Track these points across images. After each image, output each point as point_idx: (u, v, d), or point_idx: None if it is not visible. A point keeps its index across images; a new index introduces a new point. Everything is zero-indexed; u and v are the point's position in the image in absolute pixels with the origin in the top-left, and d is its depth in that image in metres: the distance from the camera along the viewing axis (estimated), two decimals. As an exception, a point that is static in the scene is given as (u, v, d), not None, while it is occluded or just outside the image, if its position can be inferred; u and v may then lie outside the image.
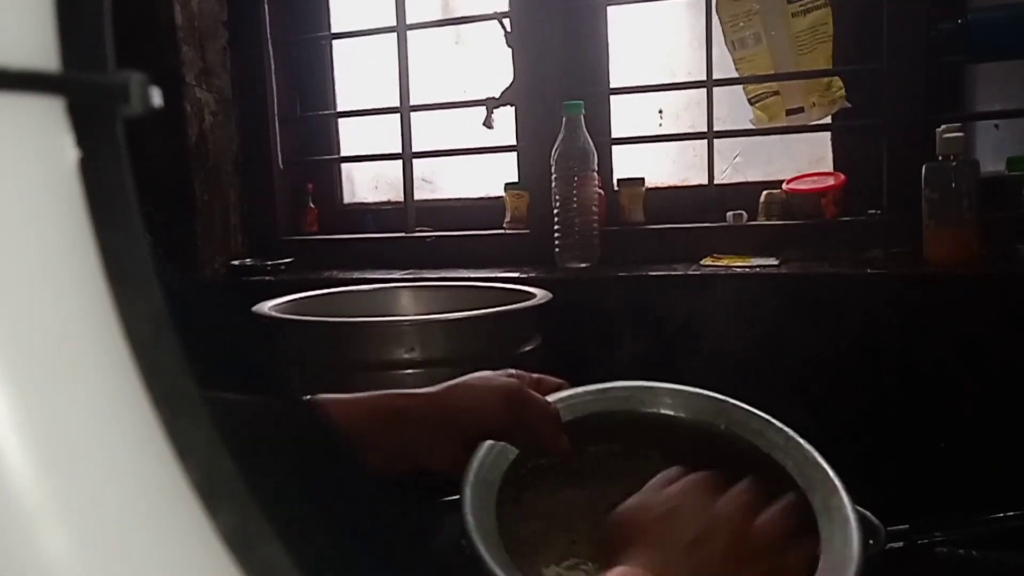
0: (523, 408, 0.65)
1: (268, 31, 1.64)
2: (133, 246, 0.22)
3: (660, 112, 1.58)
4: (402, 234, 1.59)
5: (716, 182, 1.45)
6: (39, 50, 0.20)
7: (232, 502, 0.21)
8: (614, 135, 1.50)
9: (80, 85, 0.21)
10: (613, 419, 0.68)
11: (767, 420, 0.69)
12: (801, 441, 0.67)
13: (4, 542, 0.19)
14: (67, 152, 0.21)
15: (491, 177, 1.61)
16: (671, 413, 0.69)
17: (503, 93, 1.53)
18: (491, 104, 1.54)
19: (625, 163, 1.52)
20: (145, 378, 0.21)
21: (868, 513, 0.95)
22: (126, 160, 0.22)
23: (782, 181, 1.42)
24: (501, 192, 1.54)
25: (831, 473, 0.64)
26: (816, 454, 0.66)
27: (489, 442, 0.63)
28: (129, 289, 0.21)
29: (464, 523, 0.51)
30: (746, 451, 0.66)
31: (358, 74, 1.75)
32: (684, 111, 1.56)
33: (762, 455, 0.65)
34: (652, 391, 0.70)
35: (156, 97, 0.21)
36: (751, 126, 1.47)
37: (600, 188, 1.40)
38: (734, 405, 0.71)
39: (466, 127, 1.60)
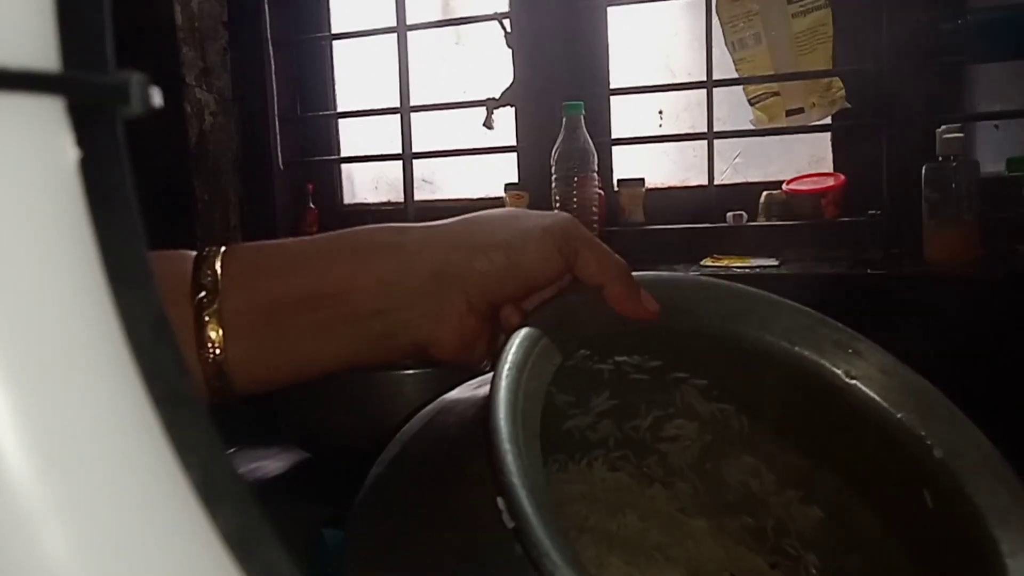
0: (580, 248, 0.44)
1: (268, 31, 1.63)
2: (133, 246, 0.22)
3: (660, 113, 1.58)
4: (402, 234, 1.59)
5: (716, 183, 1.45)
6: (39, 50, 0.20)
7: (232, 502, 0.21)
8: (614, 135, 1.50)
9: (80, 85, 0.21)
10: (675, 323, 0.47)
11: (916, 380, 0.49)
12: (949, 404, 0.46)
13: (3, 542, 0.19)
14: (67, 152, 0.21)
15: (491, 177, 1.61)
16: (770, 339, 0.48)
17: (503, 93, 1.53)
18: (491, 104, 1.54)
19: (625, 163, 1.52)
20: (145, 378, 0.21)
21: (868, 513, 0.95)
22: (126, 160, 0.22)
23: (782, 182, 1.42)
24: (501, 193, 1.54)
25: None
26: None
27: (525, 331, 0.40)
28: (129, 289, 0.21)
29: (505, 485, 0.32)
30: (869, 420, 0.46)
31: (358, 74, 1.75)
32: (684, 112, 1.56)
33: (898, 426, 0.46)
34: (745, 299, 0.49)
35: (156, 97, 0.21)
36: (751, 127, 1.47)
37: (600, 188, 1.40)
38: (869, 346, 0.51)
39: (466, 127, 1.60)
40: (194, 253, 0.40)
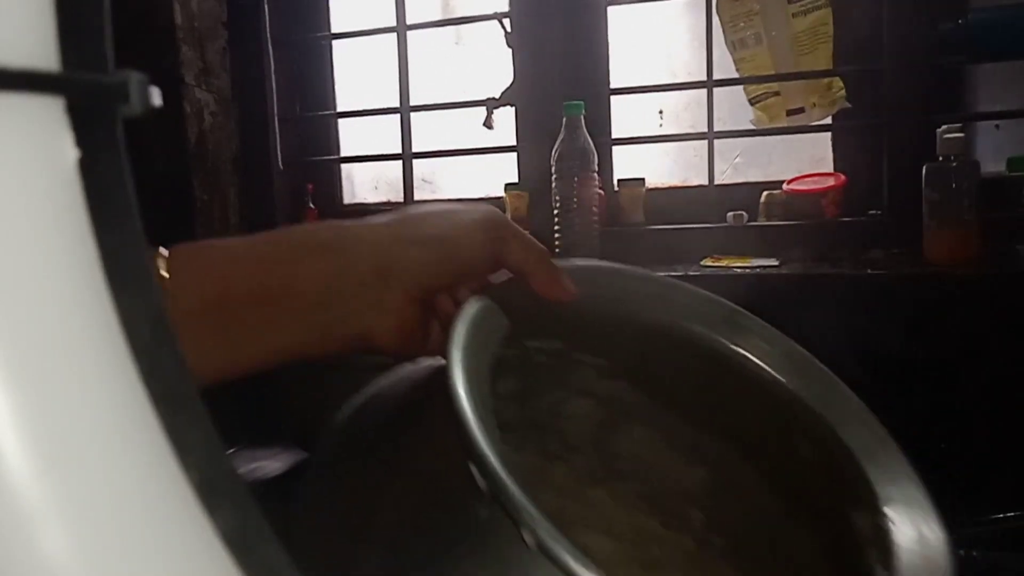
0: (508, 238, 0.48)
1: (268, 31, 1.63)
2: (133, 246, 0.22)
3: (660, 112, 1.58)
4: (402, 234, 1.59)
5: (716, 182, 1.45)
6: (39, 50, 0.20)
7: (232, 502, 0.21)
8: (614, 135, 1.50)
9: (80, 85, 0.21)
10: (584, 308, 0.51)
11: (793, 347, 0.54)
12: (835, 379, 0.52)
13: (3, 542, 0.19)
14: (66, 152, 0.21)
15: (491, 177, 1.61)
16: (667, 318, 0.53)
17: (503, 93, 1.53)
18: (491, 104, 1.54)
19: (625, 163, 1.52)
20: (144, 378, 0.21)
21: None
22: (126, 160, 0.22)
23: (782, 181, 1.42)
24: (501, 192, 1.54)
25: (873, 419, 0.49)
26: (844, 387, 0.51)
27: (471, 308, 0.43)
28: (129, 289, 0.21)
29: (471, 443, 0.34)
30: (752, 381, 0.52)
31: (358, 74, 1.75)
32: (684, 111, 1.56)
33: (776, 385, 0.51)
34: (655, 286, 0.54)
35: (156, 97, 0.21)
36: (751, 126, 1.47)
37: (600, 188, 1.40)
38: (752, 320, 0.56)
39: (466, 127, 1.60)
40: None
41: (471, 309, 0.43)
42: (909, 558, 0.42)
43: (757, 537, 0.53)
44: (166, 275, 0.39)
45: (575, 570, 0.30)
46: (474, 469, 0.33)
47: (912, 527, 0.44)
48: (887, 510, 0.45)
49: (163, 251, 0.41)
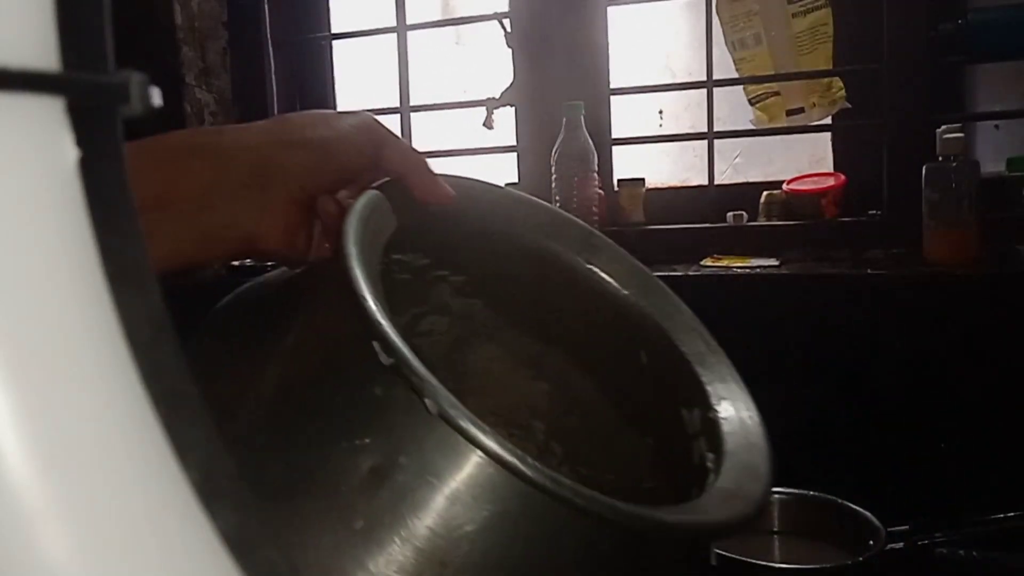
0: (386, 142, 0.48)
1: (268, 32, 1.63)
2: (133, 246, 0.22)
3: (660, 113, 1.58)
4: (402, 234, 1.59)
5: (716, 183, 1.45)
6: (39, 50, 0.20)
7: (232, 502, 0.21)
8: (614, 135, 1.50)
9: (80, 85, 0.21)
10: (448, 223, 0.53)
11: (638, 265, 0.58)
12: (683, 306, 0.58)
13: (3, 542, 0.19)
14: (67, 152, 0.21)
15: (491, 177, 1.60)
16: (526, 235, 0.56)
17: (503, 93, 1.53)
18: (491, 104, 1.54)
19: (625, 163, 1.52)
20: (145, 378, 0.21)
21: (868, 513, 0.95)
22: (126, 160, 0.22)
23: (782, 181, 1.42)
24: (501, 192, 1.54)
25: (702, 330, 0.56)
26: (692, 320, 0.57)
27: (367, 194, 0.45)
28: (129, 289, 0.21)
29: (373, 324, 0.36)
30: (600, 296, 0.57)
31: (358, 74, 1.75)
32: (684, 111, 1.56)
33: (622, 299, 0.56)
34: (518, 204, 0.57)
35: (156, 97, 0.21)
36: (751, 127, 1.47)
37: (600, 188, 1.40)
38: (605, 241, 0.59)
39: (466, 127, 1.60)
40: None
41: (362, 202, 0.44)
42: (734, 440, 0.46)
43: (595, 443, 0.58)
44: None
45: (471, 431, 0.33)
46: (377, 347, 0.35)
47: (736, 416, 0.49)
48: (715, 404, 0.50)
49: None
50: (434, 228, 0.51)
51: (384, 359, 0.35)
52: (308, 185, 0.46)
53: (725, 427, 0.48)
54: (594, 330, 0.57)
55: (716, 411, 0.49)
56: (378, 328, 0.35)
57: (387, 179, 0.49)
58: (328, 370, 0.40)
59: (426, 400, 0.34)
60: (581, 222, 0.59)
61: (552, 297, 0.57)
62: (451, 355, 0.59)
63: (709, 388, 0.51)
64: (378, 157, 0.48)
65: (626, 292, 0.57)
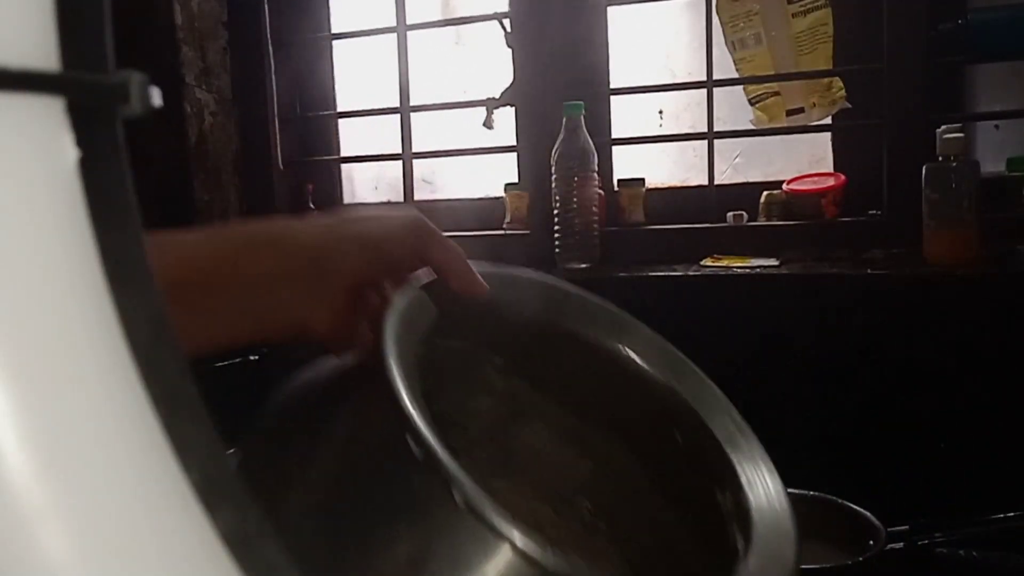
0: (430, 239, 0.52)
1: (268, 31, 1.63)
2: (133, 247, 0.22)
3: (660, 113, 1.58)
4: (402, 234, 1.59)
5: (716, 183, 1.45)
6: (39, 50, 0.20)
7: (232, 502, 0.21)
8: (614, 135, 1.50)
9: (80, 85, 0.21)
10: (488, 311, 0.56)
11: (669, 348, 0.61)
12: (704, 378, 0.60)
13: (3, 542, 0.19)
14: (67, 152, 0.21)
15: (491, 177, 1.61)
16: (564, 322, 0.60)
17: (503, 93, 1.53)
18: (491, 104, 1.54)
19: (625, 163, 1.52)
20: (144, 378, 0.21)
21: (868, 513, 0.95)
22: (126, 160, 0.22)
23: (782, 182, 1.42)
24: (501, 193, 1.54)
25: (735, 413, 0.58)
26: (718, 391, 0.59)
27: (405, 295, 0.49)
28: (129, 289, 0.21)
29: (407, 418, 0.39)
30: (634, 377, 0.59)
31: (358, 74, 1.75)
32: (684, 111, 1.56)
33: (655, 381, 0.59)
34: (553, 292, 0.60)
35: (156, 97, 0.21)
36: (751, 127, 1.47)
37: (600, 188, 1.40)
38: (636, 324, 0.62)
39: (466, 127, 1.60)
40: None
41: (402, 299, 0.48)
42: (763, 526, 0.48)
43: (638, 520, 0.60)
44: None
45: (496, 523, 0.35)
46: (410, 440, 0.37)
47: (766, 501, 0.50)
48: (745, 488, 0.51)
49: None
50: (473, 315, 0.54)
51: (416, 452, 0.37)
52: (358, 278, 0.51)
53: (755, 514, 0.49)
54: (631, 411, 0.59)
55: (747, 495, 0.51)
56: (410, 422, 0.38)
57: (429, 273, 0.53)
58: (371, 461, 0.43)
59: (454, 492, 0.36)
60: (613, 307, 0.62)
61: (590, 379, 0.60)
62: (497, 433, 0.62)
63: (739, 470, 0.53)
64: (422, 252, 0.52)
65: (658, 374, 0.59)
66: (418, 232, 0.52)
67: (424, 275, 0.53)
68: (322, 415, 0.48)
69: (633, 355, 0.60)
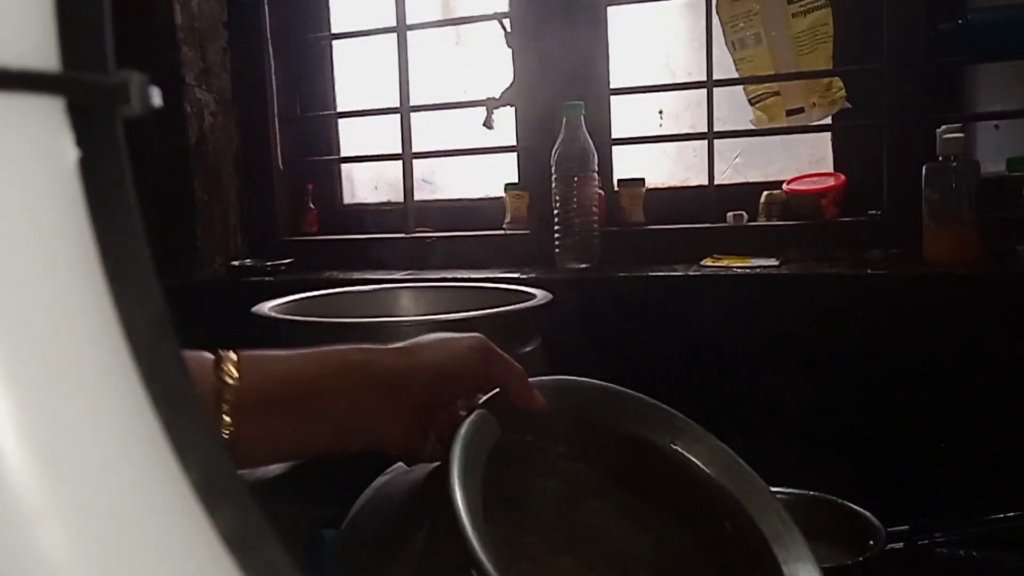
0: (493, 360, 0.59)
1: (268, 31, 1.64)
2: (133, 246, 0.22)
3: (660, 113, 1.58)
4: (402, 235, 1.59)
5: (716, 183, 1.45)
6: (39, 50, 0.20)
7: (232, 502, 0.21)
8: (614, 136, 1.50)
9: (80, 85, 0.21)
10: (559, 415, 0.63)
11: (719, 445, 0.66)
12: (753, 474, 0.64)
13: (4, 542, 0.19)
14: (67, 152, 0.21)
15: (491, 177, 1.61)
16: (618, 420, 0.66)
17: (503, 93, 1.53)
18: (491, 104, 1.54)
19: (625, 163, 1.52)
20: (145, 378, 0.21)
21: (868, 513, 0.95)
22: (126, 160, 0.22)
23: (782, 182, 1.42)
24: (501, 193, 1.54)
25: (781, 509, 0.62)
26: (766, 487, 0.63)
27: (472, 418, 0.55)
28: (129, 289, 0.21)
29: (474, 558, 0.43)
30: (686, 472, 0.64)
31: (358, 74, 1.75)
32: (684, 111, 1.56)
33: (705, 477, 0.63)
34: (610, 396, 0.66)
35: (156, 97, 0.21)
36: (751, 127, 1.47)
37: (600, 189, 1.40)
38: (687, 423, 0.67)
39: (466, 127, 1.60)
40: (211, 356, 0.52)
41: (466, 426, 0.53)
42: None
43: None
44: (236, 375, 0.51)
45: None
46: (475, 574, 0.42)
47: None
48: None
49: (232, 355, 0.52)
50: (534, 417, 0.60)
51: None
52: (429, 399, 0.57)
53: None
54: (685, 499, 0.64)
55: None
56: (478, 561, 0.43)
57: (495, 392, 0.59)
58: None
59: None
60: (665, 407, 0.66)
61: (645, 473, 0.65)
62: (562, 511, 0.66)
63: (785, 567, 0.57)
64: (486, 372, 0.58)
65: (709, 470, 0.63)
66: (482, 355, 0.58)
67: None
68: (397, 538, 0.54)
69: (683, 451, 0.64)
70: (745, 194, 1.44)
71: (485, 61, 1.62)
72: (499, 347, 0.60)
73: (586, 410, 0.64)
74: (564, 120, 1.35)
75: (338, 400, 0.55)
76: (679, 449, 0.64)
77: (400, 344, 0.59)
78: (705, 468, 0.63)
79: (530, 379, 0.61)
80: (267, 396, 0.52)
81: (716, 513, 0.62)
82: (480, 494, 0.49)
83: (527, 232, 1.49)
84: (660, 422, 0.65)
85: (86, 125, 0.21)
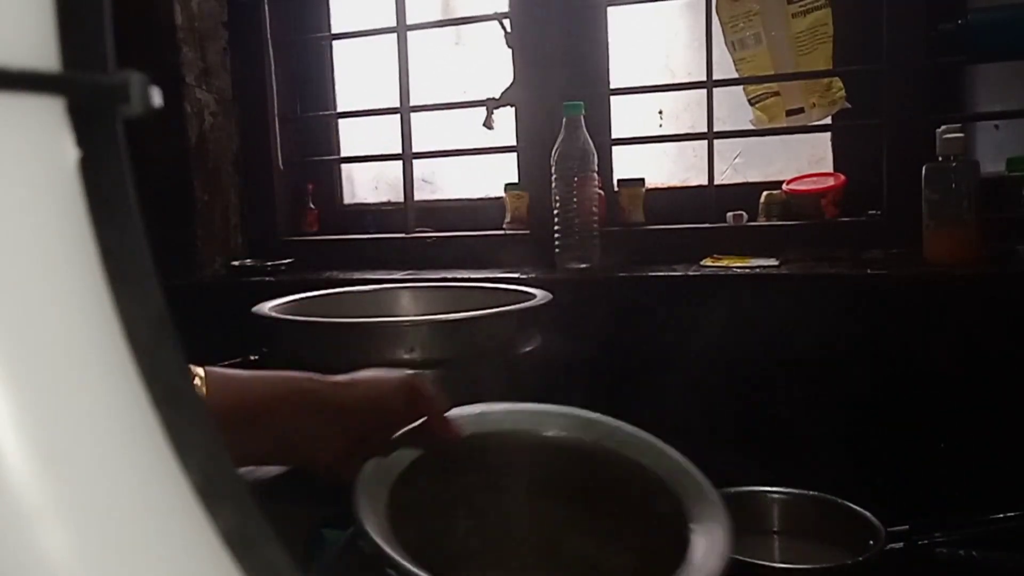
0: (418, 398, 0.67)
1: (268, 32, 1.63)
2: (133, 246, 0.22)
3: (660, 113, 1.58)
4: (402, 235, 1.59)
5: (716, 183, 1.45)
6: (39, 50, 0.20)
7: (232, 502, 0.21)
8: (614, 136, 1.50)
9: (80, 85, 0.21)
10: (490, 442, 0.72)
11: (645, 438, 0.72)
12: (679, 458, 0.70)
13: (4, 542, 0.19)
14: (67, 152, 0.21)
15: (491, 178, 1.61)
16: (551, 434, 0.73)
17: (503, 94, 1.53)
18: (491, 104, 1.54)
19: (625, 164, 1.52)
20: (145, 379, 0.21)
21: (868, 513, 0.95)
22: (126, 160, 0.22)
23: (782, 182, 1.42)
24: (501, 193, 1.54)
25: (704, 481, 0.67)
26: (691, 467, 0.69)
27: (364, 473, 0.63)
28: (129, 289, 0.21)
29: (360, 520, 0.54)
30: (624, 469, 0.70)
31: (358, 74, 1.75)
32: (684, 112, 1.56)
33: (640, 469, 0.69)
34: (537, 415, 0.74)
35: (156, 97, 0.21)
36: (751, 127, 1.47)
37: (600, 189, 1.40)
38: (615, 426, 0.73)
39: (466, 128, 1.60)
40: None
41: (371, 463, 0.63)
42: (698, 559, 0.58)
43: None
44: (204, 391, 0.59)
45: None
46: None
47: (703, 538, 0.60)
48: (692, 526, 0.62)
49: (200, 371, 0.60)
50: (456, 452, 0.69)
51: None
52: (360, 429, 0.65)
53: (692, 552, 0.59)
54: (622, 497, 0.70)
55: (691, 530, 0.62)
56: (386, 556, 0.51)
57: (418, 423, 0.68)
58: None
59: None
60: (581, 411, 0.74)
61: (571, 475, 0.72)
62: (487, 527, 0.73)
63: (694, 526, 0.63)
64: (412, 408, 0.67)
65: (639, 459, 0.70)
66: (409, 393, 0.67)
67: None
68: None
69: (613, 448, 0.71)
70: (745, 194, 1.44)
71: (485, 61, 1.62)
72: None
73: (509, 432, 0.73)
74: (564, 120, 1.35)
75: (284, 420, 0.63)
76: (607, 446, 0.72)
77: (343, 377, 0.68)
78: (638, 459, 0.70)
79: (452, 411, 0.70)
80: (224, 409, 0.60)
81: (642, 492, 0.68)
82: (383, 502, 0.58)
83: (527, 232, 1.49)
84: (581, 426, 0.73)
85: (86, 125, 0.21)
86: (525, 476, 0.73)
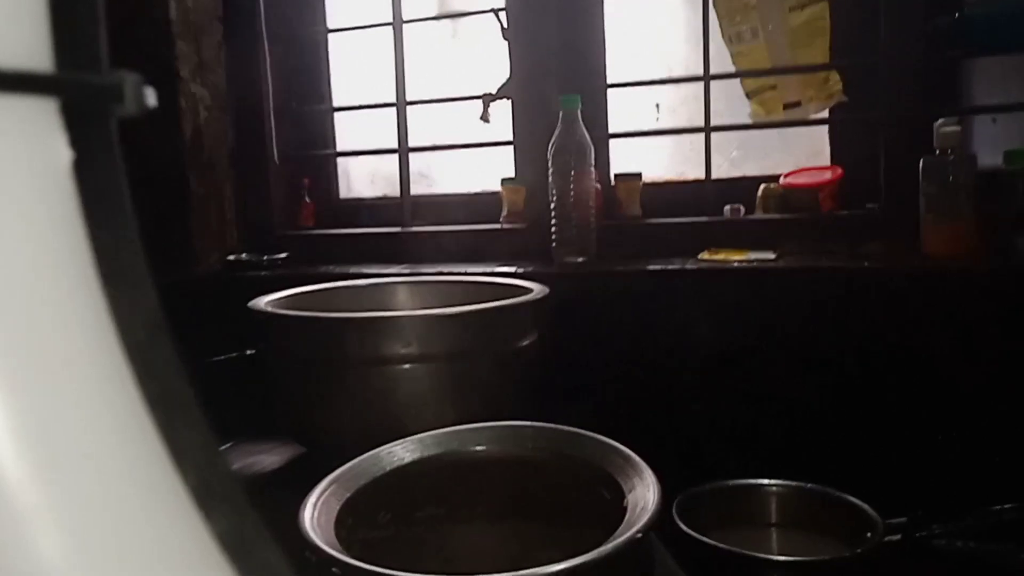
0: None
1: (264, 26, 1.63)
2: (127, 247, 0.22)
3: (657, 106, 1.57)
4: (399, 229, 1.59)
5: (713, 176, 1.45)
6: (33, 50, 0.20)
7: (228, 504, 0.21)
8: (611, 129, 1.50)
9: (74, 85, 0.21)
10: (432, 466, 0.73)
11: (580, 434, 0.74)
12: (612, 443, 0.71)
13: (-1, 546, 0.19)
14: (61, 153, 0.21)
15: (488, 172, 1.61)
16: (483, 448, 0.75)
17: (500, 87, 1.52)
18: (488, 98, 1.53)
19: (622, 157, 1.52)
20: (140, 380, 0.21)
21: (866, 506, 0.95)
22: (120, 161, 0.22)
23: (779, 175, 1.42)
24: (498, 187, 1.54)
25: (626, 450, 0.69)
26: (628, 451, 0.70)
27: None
28: (123, 291, 0.21)
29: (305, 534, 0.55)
30: (563, 464, 0.72)
31: (354, 68, 1.75)
32: (681, 105, 1.55)
33: (581, 464, 0.71)
34: (462, 434, 0.76)
35: (150, 97, 0.21)
36: (748, 120, 1.47)
37: (597, 183, 1.40)
38: (540, 427, 0.75)
39: (463, 122, 1.60)
40: None
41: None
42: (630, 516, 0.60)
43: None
44: None
45: None
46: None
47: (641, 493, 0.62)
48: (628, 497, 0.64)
49: None
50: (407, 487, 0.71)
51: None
52: None
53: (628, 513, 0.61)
54: (555, 484, 0.73)
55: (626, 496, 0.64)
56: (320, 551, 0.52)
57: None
58: None
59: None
60: (516, 422, 0.76)
61: (513, 485, 0.74)
62: (441, 546, 0.74)
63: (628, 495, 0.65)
64: None
65: (563, 448, 0.73)
66: None
67: None
68: None
69: (558, 449, 0.73)
70: (742, 188, 1.44)
71: (481, 55, 1.62)
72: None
73: (455, 454, 0.75)
74: (561, 114, 1.35)
75: None
76: (550, 449, 0.73)
77: None
78: (565, 449, 0.72)
79: (404, 439, 0.71)
80: None
81: (589, 483, 0.70)
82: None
83: (524, 226, 1.49)
84: (505, 438, 0.75)
85: (80, 126, 0.21)
86: (482, 500, 0.75)
